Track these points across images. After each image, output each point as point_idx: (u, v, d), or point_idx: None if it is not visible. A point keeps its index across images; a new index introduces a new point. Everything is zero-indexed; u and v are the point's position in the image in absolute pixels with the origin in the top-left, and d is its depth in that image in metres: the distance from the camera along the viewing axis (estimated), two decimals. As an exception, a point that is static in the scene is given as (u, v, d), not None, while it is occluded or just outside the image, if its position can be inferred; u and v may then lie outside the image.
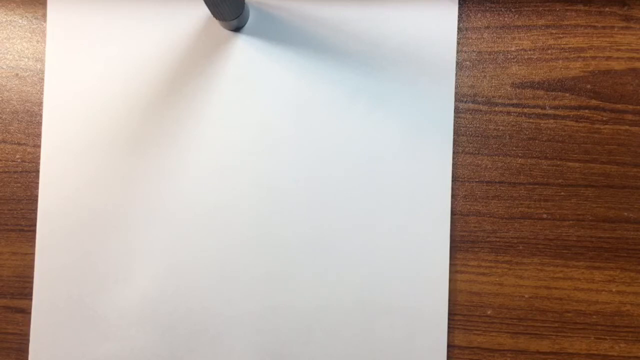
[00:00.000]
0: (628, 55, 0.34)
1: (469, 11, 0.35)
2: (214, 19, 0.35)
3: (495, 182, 0.36)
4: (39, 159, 0.36)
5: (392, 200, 0.35)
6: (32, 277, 0.36)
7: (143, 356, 0.34)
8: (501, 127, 0.35)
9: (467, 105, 0.35)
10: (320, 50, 0.36)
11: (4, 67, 0.38)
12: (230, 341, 0.35)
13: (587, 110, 0.34)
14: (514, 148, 0.34)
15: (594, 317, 0.35)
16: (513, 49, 0.35)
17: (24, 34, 0.38)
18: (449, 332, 0.35)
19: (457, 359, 0.35)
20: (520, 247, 0.35)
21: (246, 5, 0.35)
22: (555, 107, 0.34)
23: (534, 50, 0.35)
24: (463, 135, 0.35)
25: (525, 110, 0.34)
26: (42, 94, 0.37)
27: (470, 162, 0.36)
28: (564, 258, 0.35)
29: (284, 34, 0.36)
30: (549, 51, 0.35)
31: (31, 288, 0.36)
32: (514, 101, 0.35)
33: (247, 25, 0.36)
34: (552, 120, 0.34)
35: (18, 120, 0.38)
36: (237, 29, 0.36)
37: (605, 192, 0.35)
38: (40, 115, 0.37)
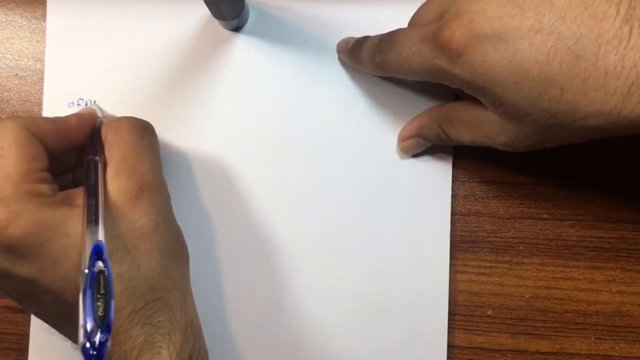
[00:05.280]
0: None
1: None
2: (214, 19, 0.35)
3: (496, 182, 0.36)
4: (39, 159, 0.36)
5: (392, 200, 0.35)
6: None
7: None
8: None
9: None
10: (321, 50, 0.36)
11: (4, 67, 0.38)
12: (230, 341, 0.35)
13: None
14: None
15: (595, 317, 0.35)
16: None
17: (24, 33, 0.38)
18: (449, 332, 0.35)
19: (457, 359, 0.35)
20: (521, 247, 0.35)
21: (246, 5, 0.35)
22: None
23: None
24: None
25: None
26: (42, 94, 0.37)
27: (470, 162, 0.36)
28: (564, 258, 0.35)
29: (284, 34, 0.36)
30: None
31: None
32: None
33: (247, 25, 0.36)
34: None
35: (18, 120, 0.38)
36: (237, 29, 0.36)
37: (605, 192, 0.35)
38: (40, 115, 0.37)
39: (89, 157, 0.30)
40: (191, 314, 0.31)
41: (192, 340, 0.29)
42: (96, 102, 0.36)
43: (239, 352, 0.35)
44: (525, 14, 0.25)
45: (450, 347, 0.35)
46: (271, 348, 0.35)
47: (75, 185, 0.31)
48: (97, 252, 0.25)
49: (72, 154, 0.32)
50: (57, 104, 0.36)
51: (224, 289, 0.36)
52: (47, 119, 0.30)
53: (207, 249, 0.36)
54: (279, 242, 0.36)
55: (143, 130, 0.31)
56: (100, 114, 0.34)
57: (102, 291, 0.24)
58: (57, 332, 0.30)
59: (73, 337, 0.30)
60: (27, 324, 0.36)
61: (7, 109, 0.38)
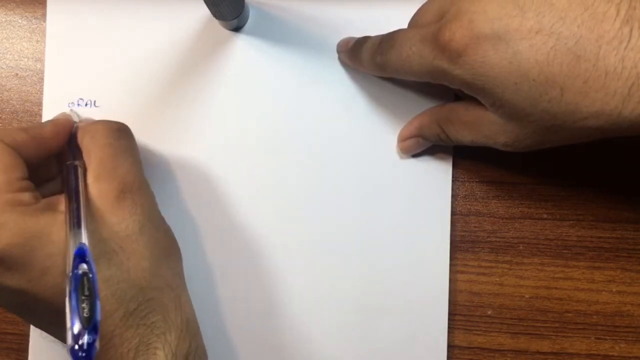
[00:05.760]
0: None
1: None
2: (214, 19, 0.35)
3: (496, 182, 0.36)
4: (39, 159, 0.36)
5: (392, 200, 0.35)
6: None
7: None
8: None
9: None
10: (320, 50, 0.36)
11: (4, 67, 0.38)
12: (229, 341, 0.35)
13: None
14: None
15: (595, 317, 0.35)
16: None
17: (24, 33, 0.38)
18: (449, 332, 0.35)
19: (457, 359, 0.35)
20: (521, 247, 0.35)
21: (246, 5, 0.35)
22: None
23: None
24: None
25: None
26: (42, 94, 0.37)
27: (470, 162, 0.36)
28: (564, 258, 0.35)
29: (284, 34, 0.36)
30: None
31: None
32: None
33: (247, 25, 0.36)
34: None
35: (18, 120, 0.38)
36: (237, 29, 0.36)
37: (605, 192, 0.35)
38: (40, 115, 0.37)
39: (68, 162, 0.30)
40: (187, 313, 0.30)
41: (189, 340, 0.29)
42: (72, 109, 0.36)
43: (238, 352, 0.35)
44: (525, 14, 0.25)
45: (450, 347, 0.35)
46: (271, 348, 0.35)
47: (61, 192, 0.31)
48: (80, 255, 0.25)
49: (53, 162, 0.32)
50: (57, 104, 0.36)
51: (222, 289, 0.36)
52: (19, 129, 0.30)
53: (206, 249, 0.36)
54: (278, 242, 0.35)
55: (119, 132, 0.31)
56: (77, 119, 0.34)
57: (86, 292, 0.24)
58: (57, 340, 0.30)
59: None
60: (27, 324, 0.36)
61: (7, 109, 0.38)
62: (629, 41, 0.23)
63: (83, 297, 0.24)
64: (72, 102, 0.36)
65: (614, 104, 0.24)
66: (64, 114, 0.34)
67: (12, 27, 0.38)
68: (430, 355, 0.35)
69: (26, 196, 0.28)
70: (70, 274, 0.25)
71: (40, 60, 0.37)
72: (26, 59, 0.38)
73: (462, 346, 0.35)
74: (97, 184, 0.29)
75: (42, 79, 0.37)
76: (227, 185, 0.36)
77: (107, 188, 0.29)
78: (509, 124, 0.28)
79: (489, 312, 0.35)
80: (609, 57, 0.24)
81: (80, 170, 0.30)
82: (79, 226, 0.27)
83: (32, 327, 0.36)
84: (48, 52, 0.37)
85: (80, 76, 0.36)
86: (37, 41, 0.37)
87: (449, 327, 0.35)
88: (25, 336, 0.36)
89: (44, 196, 0.29)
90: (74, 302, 0.24)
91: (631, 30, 0.23)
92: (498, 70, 0.26)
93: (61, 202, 0.29)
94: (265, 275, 0.36)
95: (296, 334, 0.35)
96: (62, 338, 0.30)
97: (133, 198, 0.29)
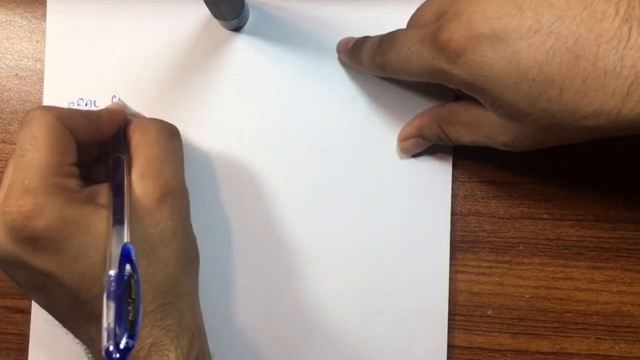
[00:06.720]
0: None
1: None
2: (214, 19, 0.35)
3: (496, 182, 0.36)
4: (39, 159, 0.36)
5: (392, 200, 0.35)
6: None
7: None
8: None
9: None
10: (320, 50, 0.36)
11: (4, 67, 0.38)
12: (228, 343, 0.35)
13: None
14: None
15: (595, 317, 0.35)
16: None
17: (24, 33, 0.38)
18: (449, 332, 0.35)
19: (457, 359, 0.35)
20: (521, 247, 0.35)
21: (246, 5, 0.35)
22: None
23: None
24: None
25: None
26: (42, 94, 0.37)
27: (470, 162, 0.36)
28: (564, 258, 0.35)
29: (284, 34, 0.36)
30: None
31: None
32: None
33: (247, 25, 0.36)
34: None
35: (18, 120, 0.38)
36: (237, 29, 0.36)
37: (605, 192, 0.35)
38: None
39: (116, 155, 0.30)
40: (198, 319, 0.31)
41: (198, 345, 0.30)
42: (121, 98, 0.35)
43: (239, 350, 0.35)
44: (524, 14, 0.25)
45: (450, 347, 0.35)
46: (271, 348, 0.35)
47: (88, 178, 0.31)
48: (127, 255, 0.25)
49: (94, 148, 0.32)
50: (57, 104, 0.36)
51: (223, 288, 0.36)
52: (80, 111, 0.30)
53: (205, 247, 0.36)
54: (277, 242, 0.35)
55: (170, 134, 0.31)
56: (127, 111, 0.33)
57: (133, 296, 0.24)
58: (59, 325, 0.30)
59: (77, 333, 0.30)
60: (27, 324, 0.36)
61: (7, 109, 0.38)
62: (628, 40, 0.23)
63: (129, 300, 0.24)
64: (72, 102, 0.36)
65: (613, 103, 0.24)
66: (116, 103, 0.34)
67: (12, 27, 0.38)
68: (430, 355, 0.35)
69: (72, 182, 0.28)
70: (112, 272, 0.25)
71: (40, 60, 0.37)
72: (26, 59, 0.38)
73: (462, 346, 0.35)
74: (141, 182, 0.29)
75: (42, 79, 0.37)
76: (226, 185, 0.36)
77: (151, 188, 0.29)
78: (509, 123, 0.28)
79: (489, 312, 0.35)
80: (608, 56, 0.24)
81: (126, 166, 0.29)
82: (122, 223, 0.27)
83: (32, 327, 0.36)
84: (48, 52, 0.37)
85: (80, 76, 0.36)
86: (37, 41, 0.37)
87: (449, 327, 0.35)
88: (25, 336, 0.36)
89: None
90: (121, 303, 0.24)
91: (630, 29, 0.23)
92: (497, 70, 0.26)
93: (103, 193, 0.29)
94: (263, 275, 0.36)
95: (296, 333, 0.35)
96: (68, 325, 0.30)
97: (173, 203, 0.29)
